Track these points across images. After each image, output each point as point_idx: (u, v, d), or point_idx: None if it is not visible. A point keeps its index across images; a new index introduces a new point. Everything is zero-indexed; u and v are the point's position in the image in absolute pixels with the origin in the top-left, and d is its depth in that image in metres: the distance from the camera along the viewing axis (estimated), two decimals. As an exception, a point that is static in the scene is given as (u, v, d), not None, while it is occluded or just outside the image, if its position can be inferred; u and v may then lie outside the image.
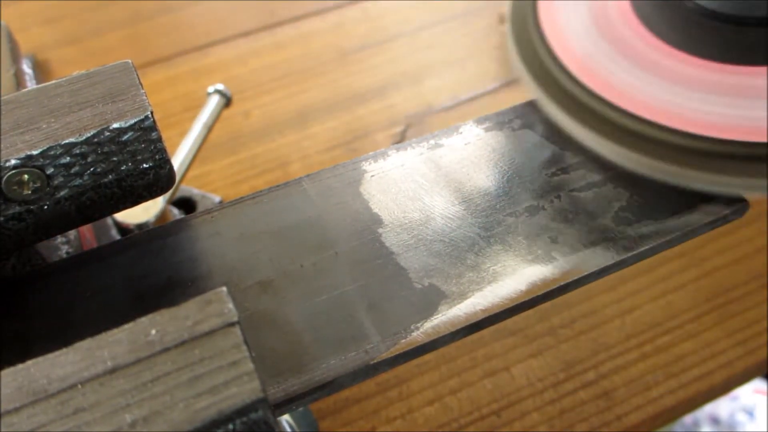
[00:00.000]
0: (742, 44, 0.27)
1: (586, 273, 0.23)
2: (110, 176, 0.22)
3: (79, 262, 0.24)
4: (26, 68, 0.43)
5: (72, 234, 0.28)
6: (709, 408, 0.83)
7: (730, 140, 0.24)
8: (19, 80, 0.39)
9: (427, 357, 0.38)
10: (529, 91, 0.28)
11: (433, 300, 0.22)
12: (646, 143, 0.25)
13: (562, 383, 0.36)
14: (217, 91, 0.39)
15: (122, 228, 0.37)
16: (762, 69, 0.26)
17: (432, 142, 0.27)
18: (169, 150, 0.23)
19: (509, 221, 0.25)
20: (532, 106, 0.29)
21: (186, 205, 0.44)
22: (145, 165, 0.23)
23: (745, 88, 0.25)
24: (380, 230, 0.24)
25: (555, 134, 0.28)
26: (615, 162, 0.25)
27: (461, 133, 0.28)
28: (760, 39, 0.26)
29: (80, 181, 0.22)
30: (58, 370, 0.16)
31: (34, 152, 0.21)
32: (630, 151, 0.25)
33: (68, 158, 0.21)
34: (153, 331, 0.17)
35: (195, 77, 0.55)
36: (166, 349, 0.16)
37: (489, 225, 0.25)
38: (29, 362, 0.16)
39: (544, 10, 0.30)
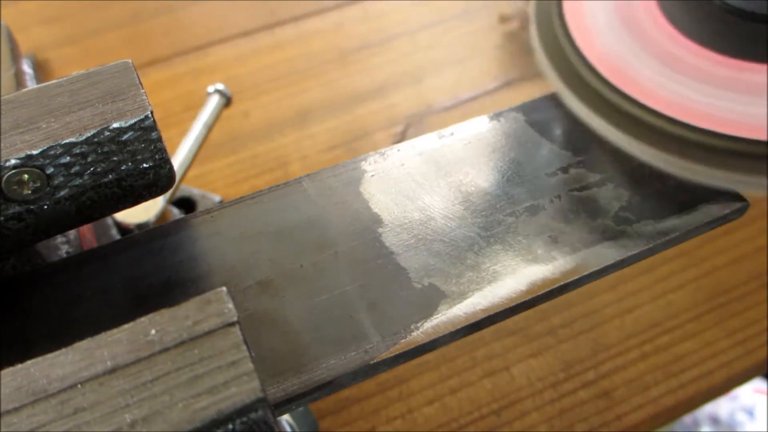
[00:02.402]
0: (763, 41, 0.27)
1: (586, 273, 0.23)
2: (110, 176, 0.22)
3: (79, 262, 0.24)
4: (26, 68, 0.43)
5: (72, 234, 0.28)
6: (709, 408, 0.83)
7: (745, 138, 0.24)
8: (19, 80, 0.39)
9: (427, 357, 0.38)
10: (552, 84, 0.28)
11: (432, 300, 0.22)
12: (657, 135, 0.25)
13: (561, 383, 0.36)
14: (217, 91, 0.39)
15: (122, 228, 0.37)
16: None
17: (432, 141, 0.27)
18: (169, 150, 0.23)
19: (509, 221, 0.25)
20: (533, 105, 0.29)
21: (186, 204, 0.44)
22: (145, 165, 0.23)
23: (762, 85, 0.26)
24: (380, 230, 0.24)
25: (557, 133, 0.28)
26: (629, 153, 0.26)
27: (461, 132, 0.28)
28: None
29: (80, 180, 0.22)
30: (57, 370, 0.16)
31: (34, 152, 0.21)
32: (641, 142, 0.25)
33: (68, 158, 0.21)
34: (153, 331, 0.17)
35: (195, 77, 0.55)
36: (166, 349, 0.16)
37: (489, 225, 0.25)
38: (29, 362, 0.16)
39: (569, 6, 0.30)
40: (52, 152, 0.21)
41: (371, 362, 0.21)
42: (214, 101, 0.39)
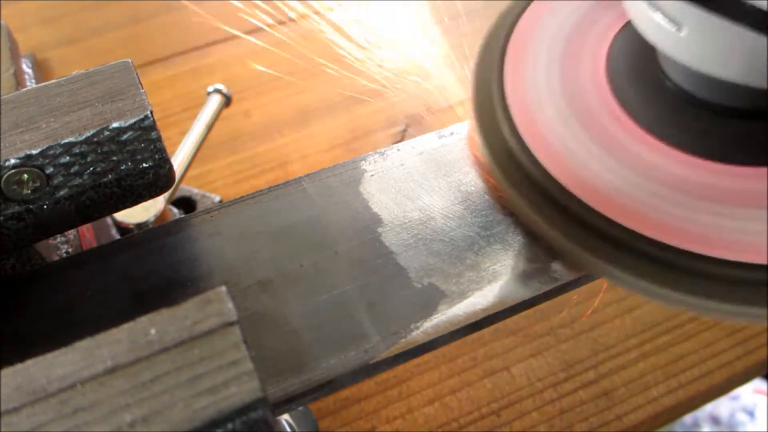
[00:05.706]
0: (728, 139, 0.23)
1: (585, 272, 0.23)
2: (110, 176, 0.22)
3: (79, 262, 0.24)
4: (26, 67, 0.43)
5: (72, 234, 0.28)
6: (709, 408, 0.83)
7: (721, 259, 0.21)
8: (18, 79, 0.39)
9: (427, 356, 0.38)
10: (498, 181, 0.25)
11: (432, 299, 0.22)
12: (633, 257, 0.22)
13: (562, 383, 0.36)
14: (217, 91, 0.39)
15: (122, 227, 0.37)
16: (749, 170, 0.22)
17: (432, 141, 0.27)
18: (168, 149, 0.23)
19: (509, 220, 0.25)
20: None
21: (186, 204, 0.44)
22: (144, 164, 0.23)
23: (732, 193, 0.22)
24: (380, 230, 0.24)
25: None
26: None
27: (461, 132, 0.28)
28: (754, 134, 0.23)
29: (80, 180, 0.22)
30: (57, 369, 0.16)
31: (34, 152, 0.21)
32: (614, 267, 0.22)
33: (68, 158, 0.21)
34: (152, 331, 0.17)
35: (195, 77, 0.55)
36: (166, 349, 0.16)
37: (488, 224, 0.24)
38: (29, 362, 0.16)
39: (510, 79, 0.26)
40: (51, 152, 0.21)
41: (371, 362, 0.21)
42: (214, 101, 0.39)
